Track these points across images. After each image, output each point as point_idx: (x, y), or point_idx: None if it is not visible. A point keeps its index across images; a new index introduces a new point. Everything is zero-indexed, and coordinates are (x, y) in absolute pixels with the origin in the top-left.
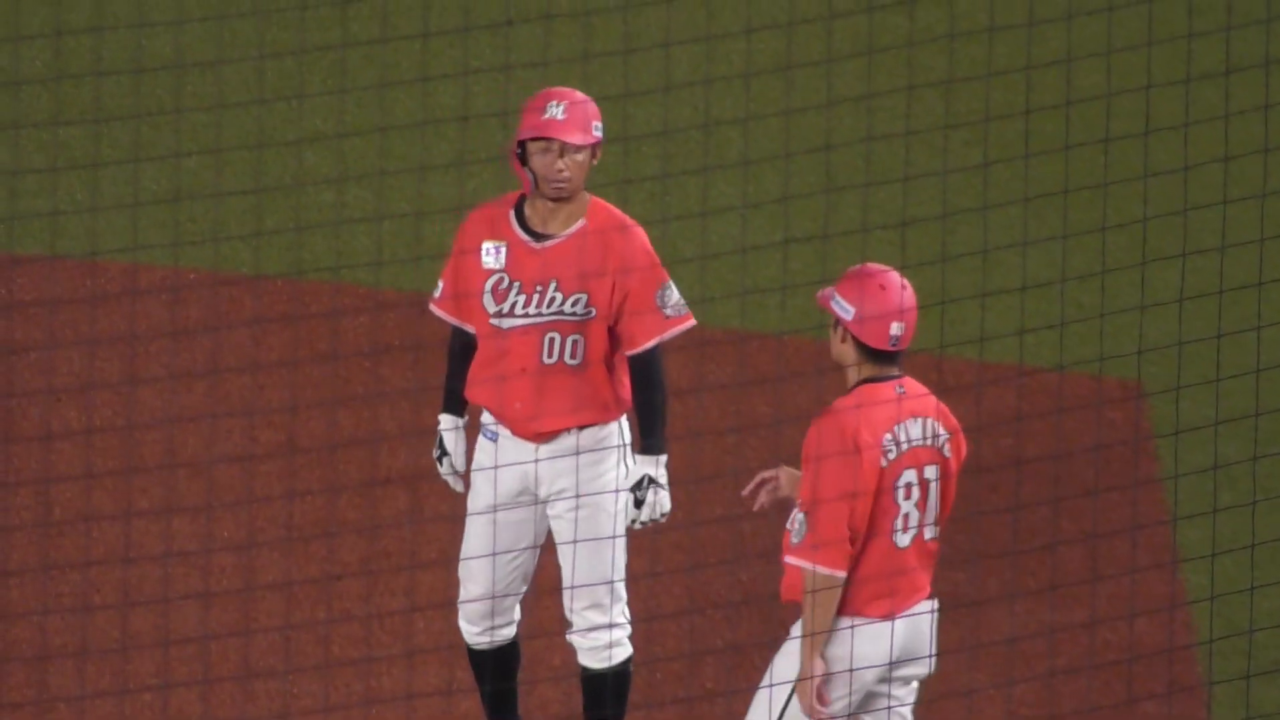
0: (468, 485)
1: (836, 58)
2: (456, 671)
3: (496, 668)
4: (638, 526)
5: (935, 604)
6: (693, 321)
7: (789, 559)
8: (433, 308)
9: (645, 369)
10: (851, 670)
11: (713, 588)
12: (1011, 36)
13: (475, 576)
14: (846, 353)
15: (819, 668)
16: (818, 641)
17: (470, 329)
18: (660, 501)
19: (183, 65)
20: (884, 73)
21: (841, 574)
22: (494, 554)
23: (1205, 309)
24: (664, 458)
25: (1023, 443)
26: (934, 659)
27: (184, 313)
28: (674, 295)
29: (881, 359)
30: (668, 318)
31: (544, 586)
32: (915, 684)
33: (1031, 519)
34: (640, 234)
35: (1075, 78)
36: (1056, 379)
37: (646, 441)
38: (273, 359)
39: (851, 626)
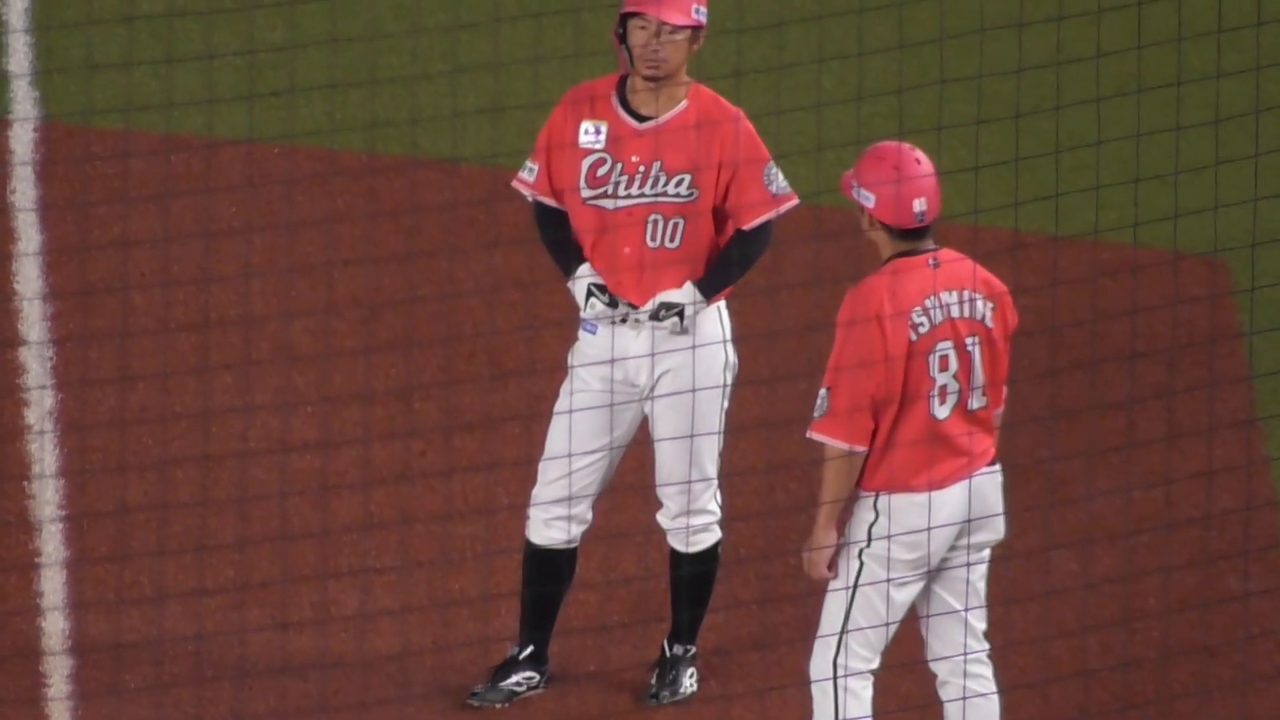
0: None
1: None
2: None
3: (558, 572)
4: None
5: (997, 468)
6: (797, 200)
7: (810, 433)
8: (522, 189)
9: (749, 239)
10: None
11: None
12: None
13: (564, 466)
14: (879, 237)
15: (830, 538)
16: (831, 513)
17: (561, 206)
18: (674, 329)
19: None
20: None
21: (859, 448)
22: (606, 449)
23: None
24: (704, 301)
25: (1138, 330)
26: (1003, 524)
27: (299, 202)
28: (778, 175)
29: (912, 235)
30: (774, 196)
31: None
32: (986, 552)
33: (1143, 414)
34: (743, 117)
35: (1186, 2)
36: (1170, 269)
37: (704, 279)
38: (391, 251)
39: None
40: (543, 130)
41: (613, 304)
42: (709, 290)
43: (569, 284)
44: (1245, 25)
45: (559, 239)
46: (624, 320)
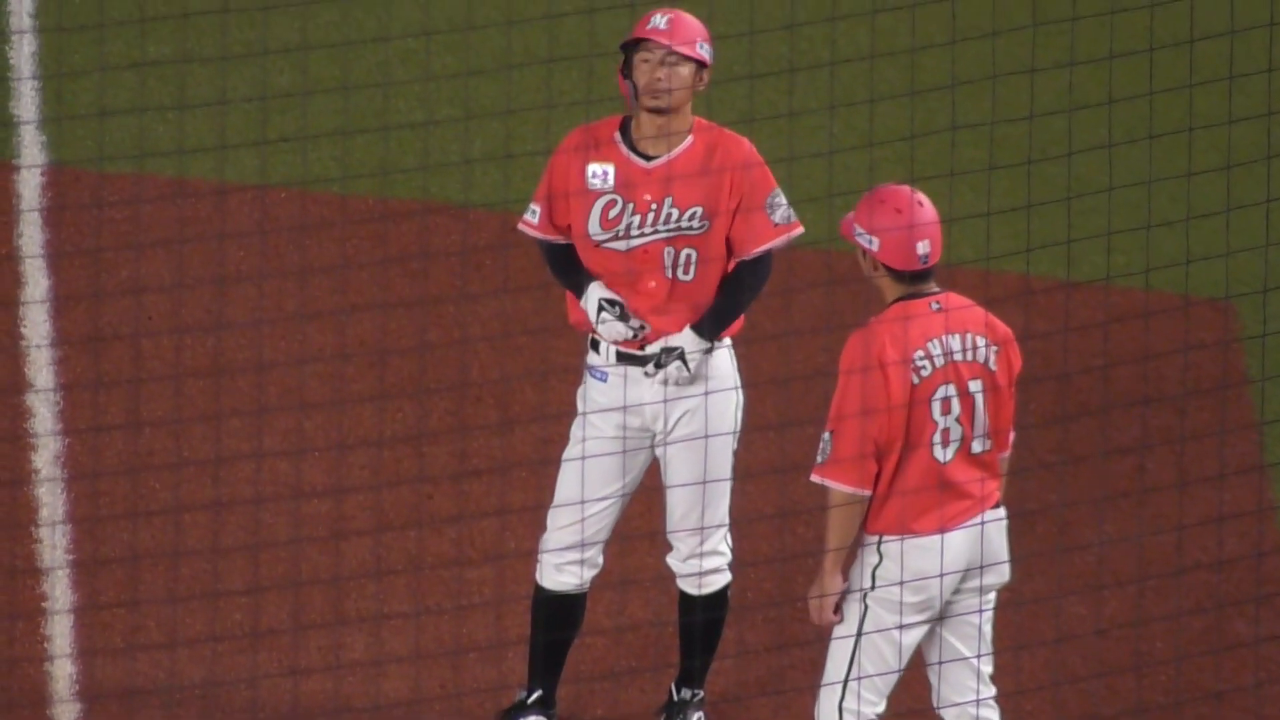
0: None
1: None
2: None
3: (568, 617)
4: (656, 381)
5: (1001, 512)
6: (801, 229)
7: (813, 477)
8: (528, 230)
9: (751, 271)
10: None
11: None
12: None
13: (577, 512)
14: (882, 282)
15: (836, 584)
16: (837, 558)
17: (567, 240)
18: (681, 377)
19: (309, 1)
20: (1006, 14)
21: (863, 491)
22: (621, 494)
23: None
24: (706, 342)
25: (1148, 376)
26: (1008, 568)
27: (312, 248)
28: (782, 202)
29: (915, 278)
30: (777, 225)
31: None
32: (992, 595)
33: (1153, 459)
34: (748, 144)
35: (1198, 18)
36: (1181, 315)
37: (704, 322)
38: (401, 296)
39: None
40: (544, 177)
41: (624, 317)
42: (710, 331)
43: (580, 303)
44: (1256, 71)
45: (568, 267)
46: (638, 339)
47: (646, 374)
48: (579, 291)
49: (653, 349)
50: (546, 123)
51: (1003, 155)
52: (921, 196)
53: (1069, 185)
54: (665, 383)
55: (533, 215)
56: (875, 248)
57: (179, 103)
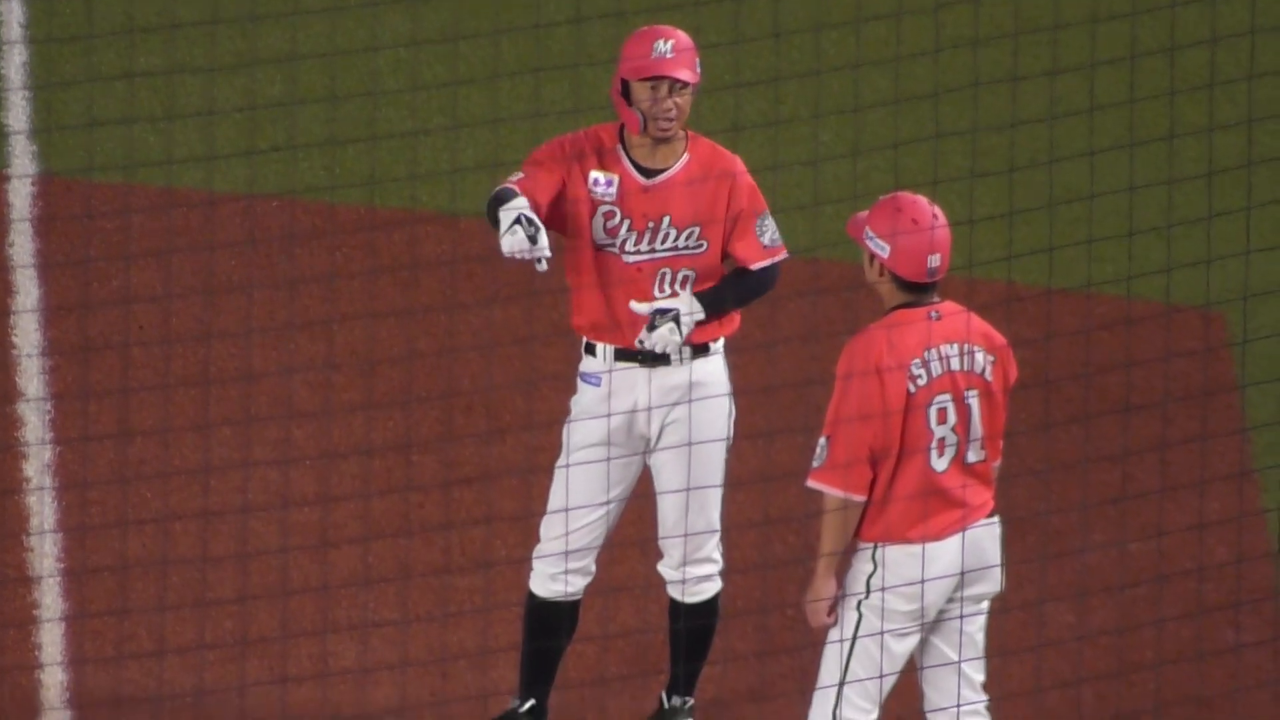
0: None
1: (945, 2)
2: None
3: (561, 625)
4: (647, 345)
5: (995, 521)
6: (785, 254)
7: (809, 482)
8: (508, 185)
9: (758, 277)
10: (883, 590)
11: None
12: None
13: (572, 518)
14: (885, 288)
15: (830, 588)
16: (831, 562)
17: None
18: (671, 340)
19: (298, 12)
20: (990, 22)
21: (858, 497)
22: (606, 502)
23: None
24: (701, 313)
25: (1133, 383)
26: (1001, 576)
27: (301, 257)
28: (771, 226)
29: (920, 289)
30: (765, 248)
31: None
32: (985, 603)
33: (1138, 466)
34: (742, 165)
35: (1180, 25)
36: (1164, 322)
37: (704, 293)
38: (390, 306)
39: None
40: (552, 143)
41: (533, 240)
42: (708, 302)
43: (500, 212)
44: (1238, 78)
45: (507, 195)
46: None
47: (640, 342)
48: (502, 202)
49: (642, 308)
50: (535, 132)
51: (986, 163)
52: (937, 209)
53: (1051, 192)
54: (655, 347)
55: (517, 176)
56: (886, 254)
57: (168, 113)
